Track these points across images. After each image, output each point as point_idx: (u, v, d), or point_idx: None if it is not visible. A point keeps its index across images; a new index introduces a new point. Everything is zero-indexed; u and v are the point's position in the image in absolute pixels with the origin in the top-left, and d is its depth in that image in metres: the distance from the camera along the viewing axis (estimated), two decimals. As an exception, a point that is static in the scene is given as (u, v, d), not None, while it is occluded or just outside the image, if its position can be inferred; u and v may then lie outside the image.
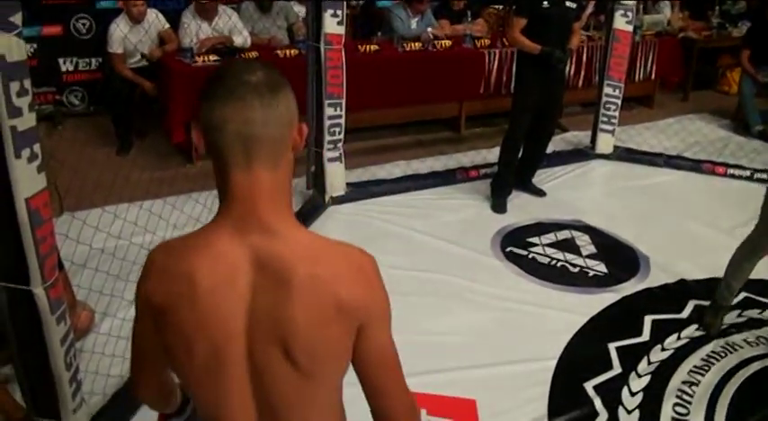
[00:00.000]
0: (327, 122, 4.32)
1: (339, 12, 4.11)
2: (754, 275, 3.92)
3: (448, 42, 5.97)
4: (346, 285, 1.17)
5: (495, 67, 6.04)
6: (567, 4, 4.43)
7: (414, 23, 6.24)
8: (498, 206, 4.75)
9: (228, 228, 1.17)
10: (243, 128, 1.12)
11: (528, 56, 4.48)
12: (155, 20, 5.54)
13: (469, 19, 6.53)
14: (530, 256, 4.22)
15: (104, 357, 2.93)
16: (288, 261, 1.15)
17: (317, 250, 1.20)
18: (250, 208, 1.16)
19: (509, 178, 4.81)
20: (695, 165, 5.62)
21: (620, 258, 4.24)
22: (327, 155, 4.43)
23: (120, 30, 5.31)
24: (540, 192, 5.00)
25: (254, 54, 5.24)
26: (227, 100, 1.12)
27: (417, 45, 5.85)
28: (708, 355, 3.38)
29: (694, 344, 3.46)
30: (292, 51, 5.40)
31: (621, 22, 5.34)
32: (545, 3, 4.36)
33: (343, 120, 4.40)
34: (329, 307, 1.16)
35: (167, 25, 5.61)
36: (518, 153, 4.79)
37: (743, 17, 8.01)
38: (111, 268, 3.27)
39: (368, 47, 5.65)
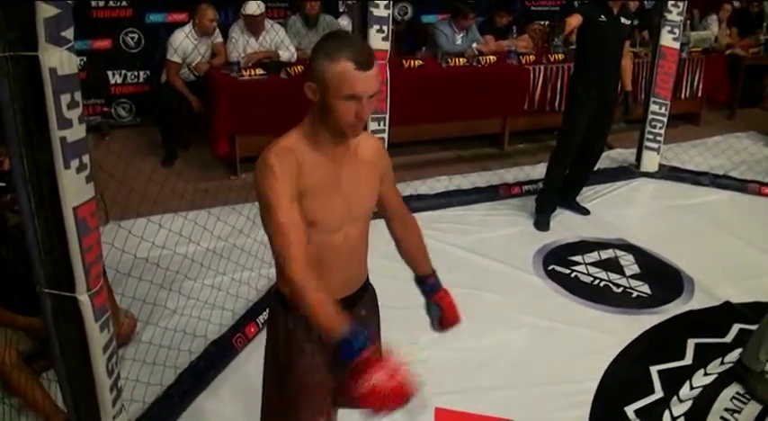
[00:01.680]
0: (370, 136, 4.33)
1: (385, 28, 4.12)
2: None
3: (492, 58, 5.96)
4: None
5: (540, 83, 6.02)
6: (622, 20, 4.41)
7: (459, 39, 6.25)
8: (542, 223, 4.72)
9: None
10: None
11: (582, 74, 4.46)
12: (215, 35, 5.66)
13: (515, 35, 6.51)
14: (572, 275, 4.18)
15: (145, 365, 2.97)
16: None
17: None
18: None
19: (554, 196, 4.78)
20: (741, 185, 5.51)
21: (664, 279, 4.17)
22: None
23: (182, 39, 5.41)
24: (583, 211, 4.95)
25: (299, 68, 5.28)
26: None
27: (461, 61, 5.86)
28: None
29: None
30: (337, 66, 5.42)
31: (668, 39, 5.28)
32: (602, 17, 4.35)
33: (386, 135, 4.41)
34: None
35: (220, 38, 5.70)
36: (565, 171, 4.76)
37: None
38: (155, 277, 3.32)
39: (412, 62, 5.67)
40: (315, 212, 1.80)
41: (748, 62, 7.27)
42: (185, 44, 5.40)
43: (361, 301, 2.06)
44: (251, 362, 3.22)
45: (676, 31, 5.26)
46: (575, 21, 4.36)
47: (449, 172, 5.57)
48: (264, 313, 3.41)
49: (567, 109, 4.69)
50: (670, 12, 5.20)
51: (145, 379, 2.91)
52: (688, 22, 6.79)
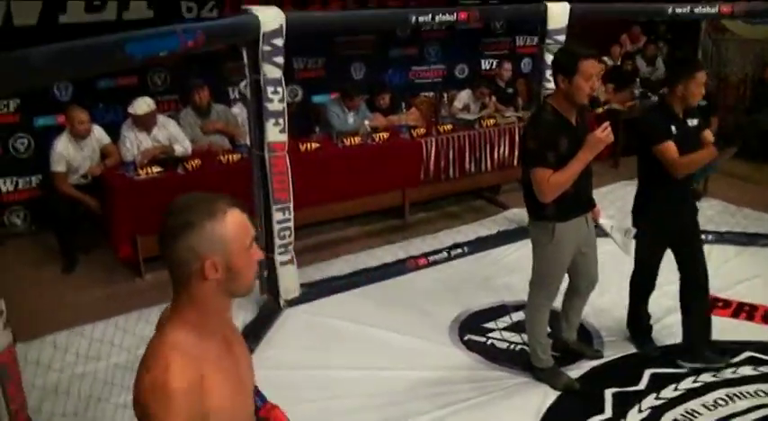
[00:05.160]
0: (277, 227, 4.36)
1: (281, 120, 4.21)
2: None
3: (385, 134, 6.11)
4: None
5: (433, 153, 6.18)
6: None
7: (350, 117, 6.40)
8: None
9: None
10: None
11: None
12: (96, 136, 5.55)
13: (403, 110, 6.73)
14: (488, 342, 4.26)
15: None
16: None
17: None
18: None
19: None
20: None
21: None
22: (279, 259, 4.45)
23: (63, 148, 5.31)
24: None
25: (196, 162, 5.28)
26: None
27: (356, 139, 5.98)
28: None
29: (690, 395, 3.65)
30: (234, 156, 5.46)
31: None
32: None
33: (292, 224, 4.45)
34: None
35: (108, 140, 5.62)
36: None
37: (663, 84, 8.47)
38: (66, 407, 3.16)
39: (309, 145, 5.73)
40: None
41: (624, 116, 7.73)
42: (67, 151, 5.31)
43: None
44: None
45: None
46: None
47: (354, 248, 5.62)
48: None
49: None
50: (549, 81, 5.38)
51: None
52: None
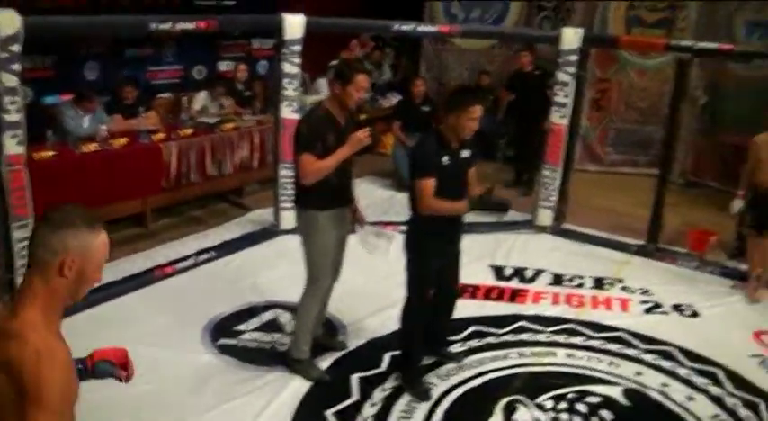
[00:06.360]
0: (17, 246, 4.18)
1: (19, 131, 4.05)
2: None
3: (123, 140, 6.01)
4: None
5: (175, 158, 6.20)
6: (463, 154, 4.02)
7: (86, 122, 6.17)
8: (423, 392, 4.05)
9: None
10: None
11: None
12: None
13: (142, 113, 6.62)
14: (240, 345, 4.41)
15: None
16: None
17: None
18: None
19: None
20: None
21: (325, 329, 4.50)
22: (20, 280, 4.24)
23: None
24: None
25: None
26: None
27: (93, 146, 5.81)
28: (407, 404, 3.89)
29: (396, 394, 3.98)
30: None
31: (287, 112, 5.81)
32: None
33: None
34: None
35: None
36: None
37: (391, 88, 9.25)
38: None
39: (44, 153, 5.48)
40: None
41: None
42: None
43: None
44: None
45: (294, 104, 5.82)
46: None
47: (97, 259, 5.45)
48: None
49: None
50: (286, 89, 5.74)
51: None
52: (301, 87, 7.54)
